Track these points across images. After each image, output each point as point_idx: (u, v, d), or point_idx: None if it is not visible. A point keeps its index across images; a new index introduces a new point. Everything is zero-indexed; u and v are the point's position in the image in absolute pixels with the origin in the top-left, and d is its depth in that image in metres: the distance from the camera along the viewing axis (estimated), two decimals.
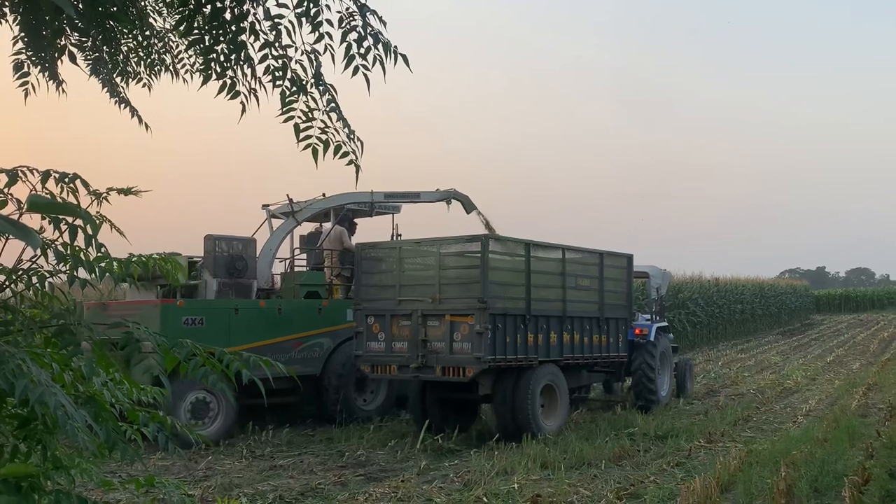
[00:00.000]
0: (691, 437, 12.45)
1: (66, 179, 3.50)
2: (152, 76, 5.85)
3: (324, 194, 16.09)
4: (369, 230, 21.72)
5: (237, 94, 4.60)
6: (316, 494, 9.40)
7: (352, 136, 4.52)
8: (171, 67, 5.68)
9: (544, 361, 13.22)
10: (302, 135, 4.43)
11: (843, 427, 12.25)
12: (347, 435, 13.32)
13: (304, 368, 14.20)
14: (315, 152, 4.44)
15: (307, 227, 17.30)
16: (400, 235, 16.33)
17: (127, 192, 3.94)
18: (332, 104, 4.41)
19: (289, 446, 12.72)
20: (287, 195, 15.71)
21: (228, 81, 4.61)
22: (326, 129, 4.44)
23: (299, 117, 4.38)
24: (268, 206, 16.15)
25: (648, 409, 15.89)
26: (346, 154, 4.50)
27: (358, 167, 4.50)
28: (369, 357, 13.23)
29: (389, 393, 15.58)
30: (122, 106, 5.82)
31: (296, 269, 16.35)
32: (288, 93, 4.38)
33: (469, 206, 16.90)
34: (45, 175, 3.55)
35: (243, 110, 4.64)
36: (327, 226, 16.79)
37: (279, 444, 12.91)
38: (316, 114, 4.40)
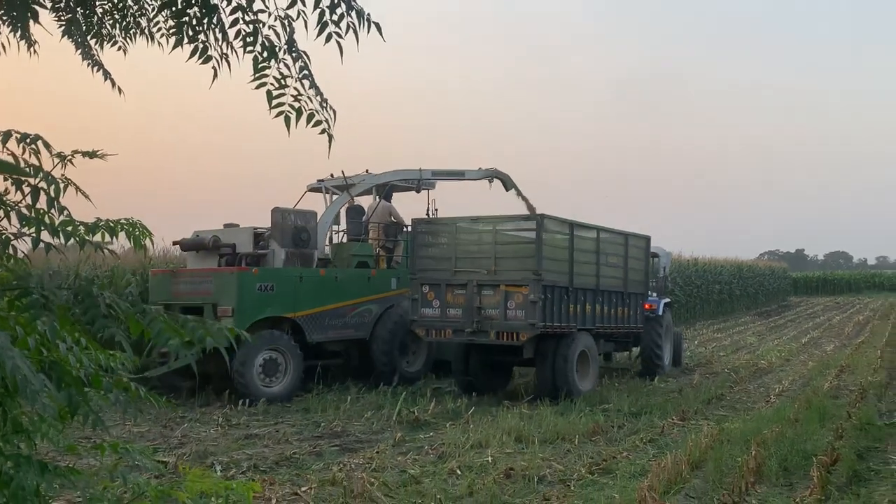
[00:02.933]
0: (665, 415, 12.49)
1: (28, 140, 3.43)
2: (127, 39, 5.74)
3: (367, 170, 17.01)
4: (398, 204, 22.74)
5: (209, 58, 4.49)
6: (291, 464, 9.36)
7: (324, 105, 4.40)
8: (146, 31, 5.57)
9: (581, 330, 14.59)
10: (275, 102, 4.33)
11: (814, 408, 12.27)
12: (324, 405, 13.30)
13: (356, 332, 15.38)
14: (287, 120, 4.33)
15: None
16: (436, 210, 17.30)
17: (92, 155, 3.84)
18: (305, 71, 4.30)
19: (265, 416, 12.68)
20: (342, 171, 16.73)
21: (200, 46, 4.49)
22: (299, 97, 4.34)
23: (272, 84, 4.27)
24: (324, 181, 17.09)
25: (654, 376, 17.32)
26: (318, 123, 4.40)
27: (331, 136, 4.41)
28: (424, 322, 14.30)
29: (429, 357, 16.51)
30: (95, 69, 5.72)
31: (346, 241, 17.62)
32: (260, 59, 4.27)
33: (509, 184, 17.95)
34: (6, 135, 3.47)
35: (215, 75, 4.51)
36: (363, 200, 17.60)
37: (255, 413, 12.85)
38: (289, 81, 4.28)
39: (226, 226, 15.32)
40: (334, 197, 16.92)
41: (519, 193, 18.01)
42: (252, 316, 13.81)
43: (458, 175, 17.72)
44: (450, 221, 14.76)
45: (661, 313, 18.29)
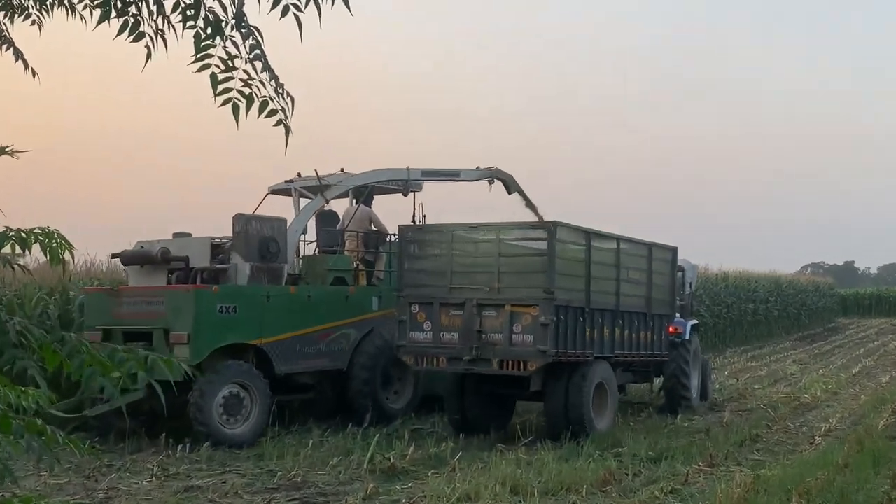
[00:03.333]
0: (689, 460, 12.35)
1: None
2: (43, 11, 5.68)
3: (342, 170, 16.92)
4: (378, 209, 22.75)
5: (141, 35, 4.42)
6: None
7: (280, 91, 4.39)
8: (65, 1, 5.53)
9: (598, 358, 14.50)
10: (220, 87, 4.29)
11: (867, 450, 12.21)
12: (281, 451, 12.98)
13: (331, 362, 15.32)
14: (236, 109, 4.31)
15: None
16: (424, 216, 17.09)
17: (1, 151, 3.83)
18: (257, 51, 4.26)
19: (209, 463, 12.40)
20: (315, 171, 16.49)
21: (131, 20, 4.42)
22: (250, 82, 4.29)
23: (217, 66, 4.24)
24: (292, 181, 16.93)
25: (679, 413, 17.18)
26: (273, 112, 4.37)
27: (288, 128, 4.38)
28: (413, 348, 14.23)
29: (416, 391, 16.44)
30: (4, 48, 5.67)
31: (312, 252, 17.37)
32: (203, 36, 4.22)
33: (512, 187, 17.95)
34: None
35: (148, 55, 4.47)
36: (335, 204, 17.48)
37: (198, 460, 12.55)
38: (237, 62, 4.25)
39: (175, 235, 15.25)
40: (304, 201, 16.77)
41: (524, 197, 18.02)
42: (212, 343, 13.70)
43: (452, 175, 17.67)
44: (444, 229, 14.66)
45: (687, 338, 18.26)
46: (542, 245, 13.72)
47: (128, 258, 15.10)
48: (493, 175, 17.85)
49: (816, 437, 14.69)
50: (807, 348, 37.60)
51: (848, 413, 17.75)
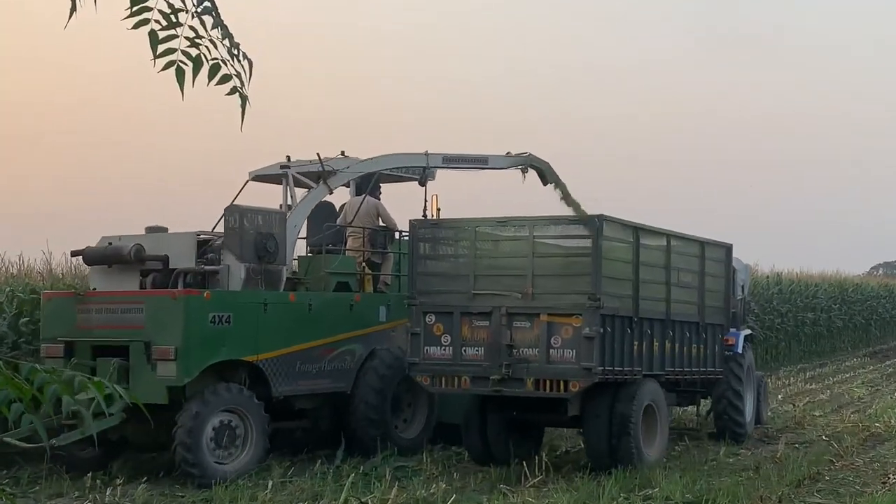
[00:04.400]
0: None
1: None
2: None
3: (343, 153, 16.85)
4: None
5: None
6: None
7: (236, 54, 4.39)
8: None
9: (647, 376, 14.51)
10: (161, 48, 4.29)
11: None
12: (234, 494, 12.30)
13: (334, 383, 15.18)
14: (180, 74, 4.31)
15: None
16: (439, 210, 17.04)
17: None
18: (206, 4, 4.19)
19: None
20: (317, 154, 16.37)
21: None
22: (198, 41, 4.27)
23: (157, 22, 4.16)
24: (287, 166, 16.71)
25: (737, 440, 17.44)
26: (226, 78, 4.39)
27: (244, 97, 4.38)
28: (429, 366, 14.13)
29: (430, 417, 16.34)
30: None
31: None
32: None
33: (549, 177, 17.79)
34: None
35: (73, 10, 4.29)
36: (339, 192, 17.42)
37: None
38: (182, 17, 4.19)
39: (149, 230, 15.03)
40: (300, 191, 16.55)
41: (562, 190, 17.69)
42: (203, 359, 13.52)
43: (479, 162, 17.75)
44: (466, 225, 14.61)
45: (739, 350, 18.32)
46: (586, 243, 13.67)
47: (93, 256, 14.77)
48: (526, 162, 17.77)
49: (891, 476, 14.35)
50: (878, 366, 36.77)
51: None
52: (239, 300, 14.10)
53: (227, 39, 4.26)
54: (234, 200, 16.25)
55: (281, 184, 16.91)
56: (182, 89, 4.19)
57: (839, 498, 12.94)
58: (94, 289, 14.76)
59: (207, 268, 14.44)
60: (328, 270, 15.83)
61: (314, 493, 12.59)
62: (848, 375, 32.78)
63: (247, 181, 17.22)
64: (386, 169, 17.04)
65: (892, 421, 20.38)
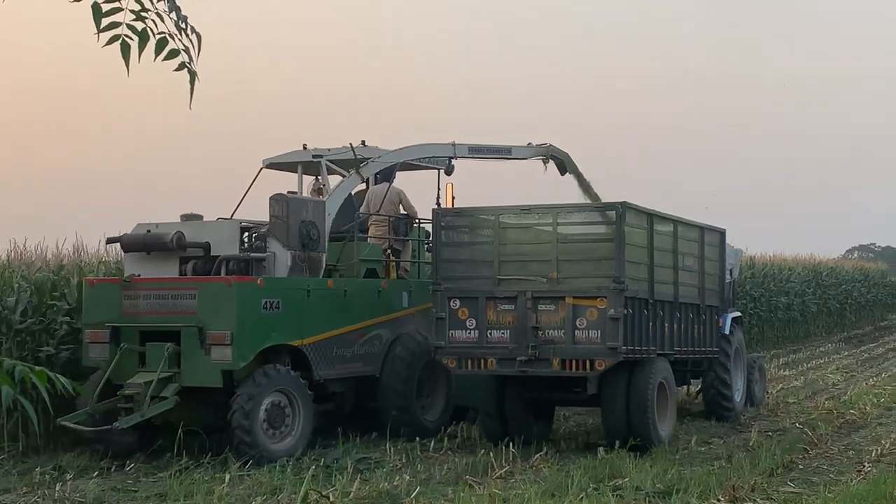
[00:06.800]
0: (707, 493, 11.65)
1: None
2: None
3: (363, 142, 17.20)
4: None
5: None
6: None
7: (183, 27, 4.32)
8: None
9: (660, 355, 15.07)
10: (105, 22, 4.22)
11: None
12: (189, 488, 11.72)
13: (364, 367, 15.60)
14: (125, 49, 4.24)
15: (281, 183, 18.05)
16: (454, 198, 17.56)
17: None
18: None
19: None
20: (350, 144, 16.74)
21: None
22: (144, 14, 4.29)
23: None
24: (320, 155, 17.08)
25: (726, 419, 18.07)
26: (174, 53, 4.32)
27: (193, 73, 4.32)
28: (455, 349, 14.58)
29: (448, 400, 16.71)
30: None
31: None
32: None
33: (568, 166, 18.79)
34: None
35: None
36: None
37: (81, 499, 11.39)
38: None
39: (184, 217, 15.16)
40: (324, 178, 17.06)
41: (580, 179, 18.80)
42: (256, 343, 13.80)
43: (503, 153, 18.49)
44: (490, 213, 15.00)
45: (727, 331, 18.91)
46: (609, 229, 14.36)
47: (132, 243, 14.89)
48: (547, 153, 18.69)
49: (866, 464, 14.13)
50: (853, 352, 36.39)
51: None
52: (287, 286, 14.44)
53: (174, 12, 4.19)
54: (248, 188, 16.79)
55: (295, 171, 17.57)
56: (127, 65, 4.11)
57: (813, 486, 12.33)
58: (139, 275, 14.85)
59: (253, 255, 14.73)
60: (360, 257, 16.30)
61: (273, 487, 11.76)
62: (822, 361, 32.06)
63: (261, 169, 17.62)
64: (419, 158, 17.56)
65: (867, 408, 19.71)
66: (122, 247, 15.06)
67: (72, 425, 13.32)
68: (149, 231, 14.66)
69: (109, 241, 15.55)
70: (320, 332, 14.72)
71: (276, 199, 14.73)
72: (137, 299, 14.20)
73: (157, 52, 4.06)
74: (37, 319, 15.26)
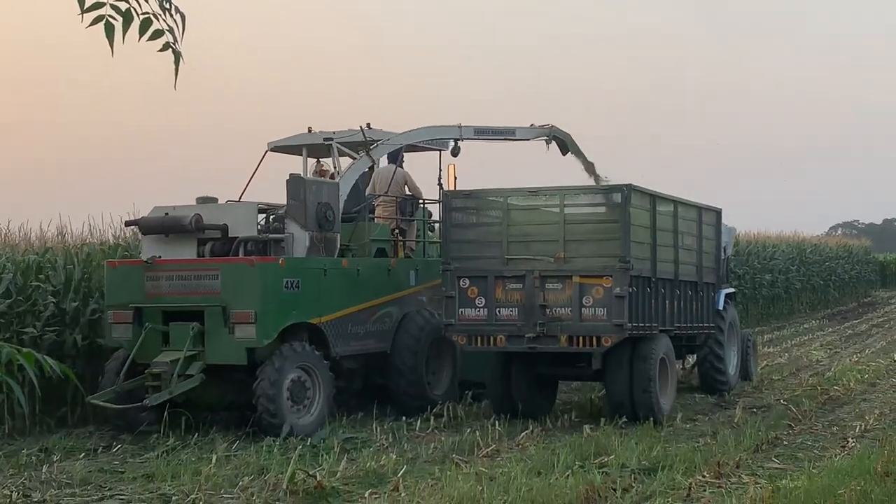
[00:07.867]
0: (692, 470, 11.59)
1: None
2: None
3: (369, 125, 17.40)
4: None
5: None
6: None
7: (167, 7, 4.32)
8: None
9: (662, 331, 15.46)
10: (89, 2, 4.22)
11: None
12: (176, 468, 11.54)
13: (377, 343, 15.93)
14: (109, 30, 4.23)
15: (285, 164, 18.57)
16: (456, 179, 17.88)
17: None
18: None
19: (83, 487, 11.24)
20: (360, 126, 17.04)
21: None
22: None
23: None
24: (331, 138, 17.30)
25: (720, 393, 18.63)
26: (158, 33, 4.32)
27: (178, 54, 4.33)
28: (465, 327, 15.00)
29: (454, 376, 17.10)
30: None
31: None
32: None
33: (570, 147, 19.15)
34: None
35: None
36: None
37: (68, 481, 11.46)
38: None
39: (200, 200, 15.32)
40: (336, 160, 17.41)
41: (582, 159, 19.10)
42: (279, 322, 14.10)
43: (507, 134, 18.90)
44: (498, 195, 15.35)
45: (721, 307, 19.29)
46: (615, 210, 14.76)
47: (150, 225, 15.10)
48: (549, 133, 19.06)
49: (850, 440, 14.08)
50: (837, 329, 36.41)
51: (888, 409, 17.14)
52: (305, 266, 14.77)
53: None
54: (255, 171, 17.13)
55: (300, 154, 17.86)
56: (112, 45, 4.10)
57: (798, 463, 12.18)
58: (160, 256, 15.10)
59: (272, 236, 15.07)
60: (371, 237, 16.60)
61: (260, 467, 11.50)
62: (806, 338, 31.97)
63: (266, 152, 17.88)
64: (425, 140, 17.85)
65: (851, 384, 19.58)
66: (141, 229, 15.35)
67: (102, 403, 13.85)
68: (166, 214, 14.91)
69: (128, 223, 15.90)
70: (337, 310, 15.17)
71: (292, 181, 15.01)
72: (160, 280, 14.56)
73: (142, 32, 4.03)
74: (22, 300, 15.11)
